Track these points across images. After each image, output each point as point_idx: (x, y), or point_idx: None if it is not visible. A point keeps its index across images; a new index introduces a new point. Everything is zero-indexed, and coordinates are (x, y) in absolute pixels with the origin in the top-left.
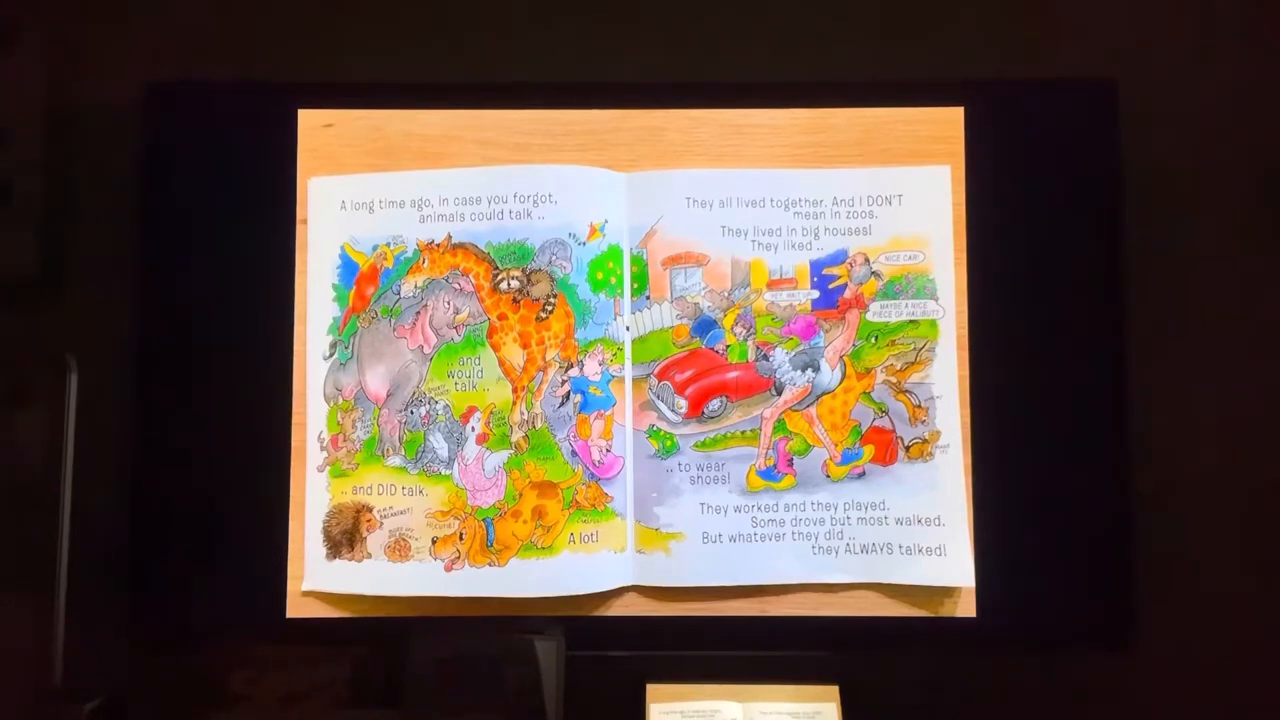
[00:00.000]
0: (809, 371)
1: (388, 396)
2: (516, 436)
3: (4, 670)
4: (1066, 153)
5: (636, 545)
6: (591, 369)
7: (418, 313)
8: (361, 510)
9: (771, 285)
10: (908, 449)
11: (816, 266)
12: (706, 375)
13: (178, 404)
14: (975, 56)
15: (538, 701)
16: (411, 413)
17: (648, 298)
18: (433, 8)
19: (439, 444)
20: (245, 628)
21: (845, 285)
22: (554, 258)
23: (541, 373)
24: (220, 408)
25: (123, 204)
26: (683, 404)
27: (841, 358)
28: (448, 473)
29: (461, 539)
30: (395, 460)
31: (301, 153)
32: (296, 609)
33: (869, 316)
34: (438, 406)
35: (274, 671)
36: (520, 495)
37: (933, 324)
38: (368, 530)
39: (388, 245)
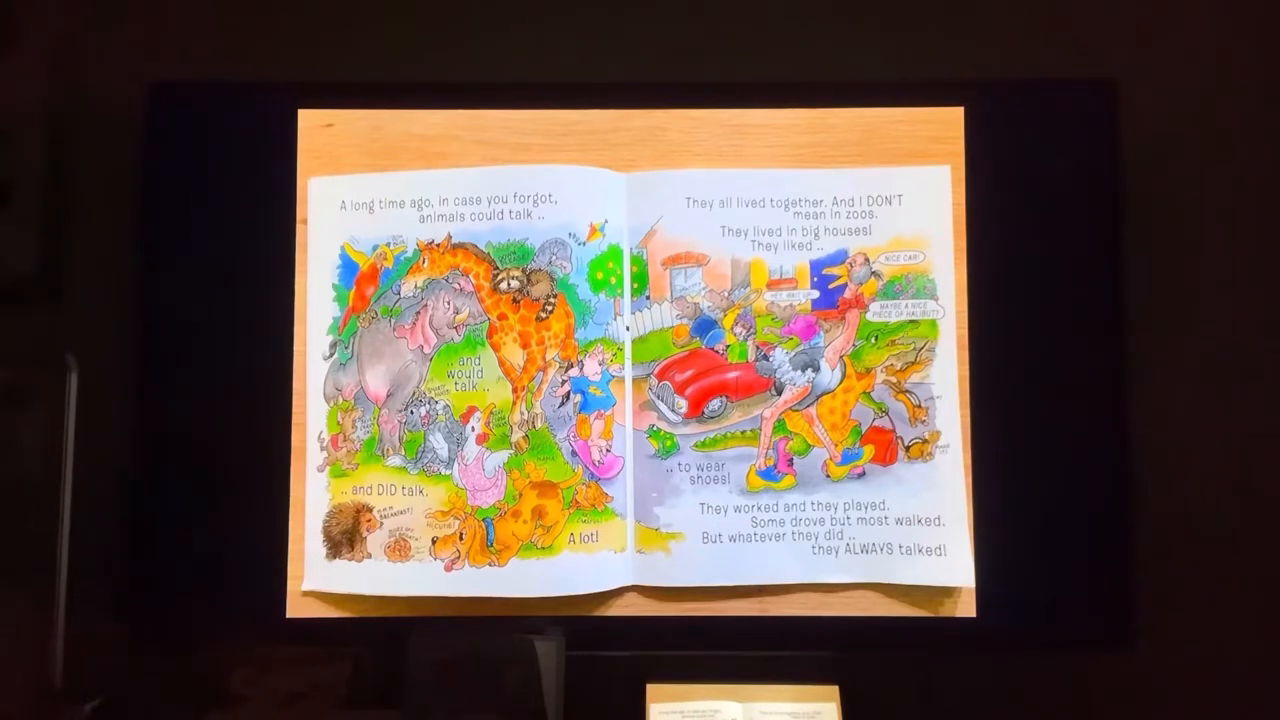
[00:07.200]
0: (809, 371)
1: (388, 396)
2: (516, 436)
3: (4, 670)
4: (1066, 153)
5: (636, 545)
6: (591, 369)
7: (418, 313)
8: (361, 510)
9: (771, 285)
10: (908, 449)
11: (816, 266)
12: (706, 375)
13: (177, 404)
14: (975, 56)
15: (538, 701)
16: (411, 413)
17: (648, 298)
18: (433, 8)
19: (439, 444)
20: (245, 628)
21: (845, 285)
22: (554, 258)
23: (541, 373)
24: (220, 407)
25: (123, 204)
26: (683, 404)
27: (841, 358)
28: (448, 473)
29: (461, 539)
30: (395, 460)
31: (301, 153)
32: (296, 609)
33: (869, 316)
34: (438, 406)
35: (274, 671)
36: (520, 495)
37: (933, 324)
38: (368, 530)
39: (388, 245)
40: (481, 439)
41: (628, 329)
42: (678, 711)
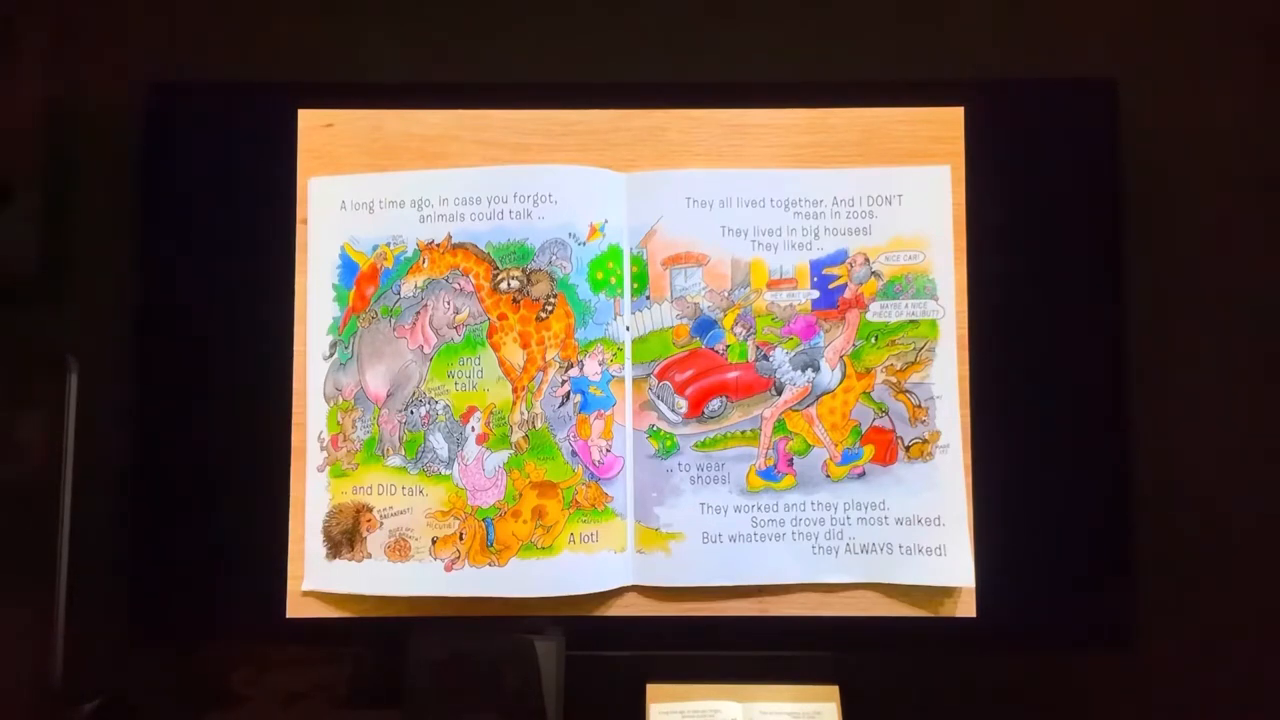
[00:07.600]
0: (809, 371)
1: (388, 396)
2: (516, 436)
3: (4, 670)
4: (1066, 153)
5: (636, 545)
6: (591, 369)
7: (418, 313)
8: (361, 510)
9: (771, 285)
10: (908, 449)
11: (816, 266)
12: (706, 375)
13: (177, 404)
14: (975, 56)
15: (538, 701)
16: (411, 413)
17: (648, 298)
18: (433, 8)
19: (439, 444)
20: (245, 628)
21: (845, 285)
22: (554, 258)
23: (541, 373)
24: (220, 407)
25: (123, 204)
26: (683, 404)
27: (841, 358)
28: (448, 473)
29: (461, 539)
30: (395, 460)
31: (301, 153)
32: (296, 609)
33: (869, 316)
34: (438, 406)
35: (274, 671)
36: (520, 495)
37: (933, 324)
38: (368, 530)
39: (388, 245)
40: (481, 439)
41: (628, 329)
42: (678, 711)
